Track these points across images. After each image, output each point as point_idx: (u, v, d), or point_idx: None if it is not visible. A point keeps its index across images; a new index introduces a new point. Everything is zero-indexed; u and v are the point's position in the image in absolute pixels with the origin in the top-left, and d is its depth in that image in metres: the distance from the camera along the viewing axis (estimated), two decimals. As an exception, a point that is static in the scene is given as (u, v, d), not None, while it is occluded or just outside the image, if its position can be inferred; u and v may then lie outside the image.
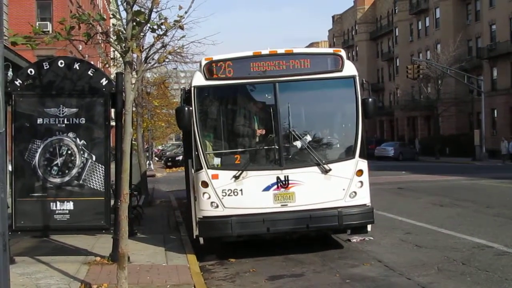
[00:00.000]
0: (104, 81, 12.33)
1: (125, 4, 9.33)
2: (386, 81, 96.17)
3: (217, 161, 12.60)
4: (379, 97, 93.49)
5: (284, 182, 12.24)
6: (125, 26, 9.36)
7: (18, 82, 12.21)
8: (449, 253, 12.28)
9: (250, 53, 12.88)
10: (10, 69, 13.93)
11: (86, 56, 43.61)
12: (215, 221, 12.23)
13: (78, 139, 12.33)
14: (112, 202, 12.26)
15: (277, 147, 12.41)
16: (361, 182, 12.53)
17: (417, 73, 59.74)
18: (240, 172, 12.21)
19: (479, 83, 61.47)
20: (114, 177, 12.13)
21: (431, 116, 71.40)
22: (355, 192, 12.44)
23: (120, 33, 9.49)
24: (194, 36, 61.38)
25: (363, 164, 12.60)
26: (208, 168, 12.30)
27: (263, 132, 12.86)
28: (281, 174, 12.26)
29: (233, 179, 12.20)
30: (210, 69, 12.65)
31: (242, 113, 13.13)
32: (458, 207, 19.69)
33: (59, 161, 12.30)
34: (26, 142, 12.30)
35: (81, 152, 12.33)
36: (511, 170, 39.75)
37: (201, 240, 12.64)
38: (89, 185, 12.35)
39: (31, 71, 12.33)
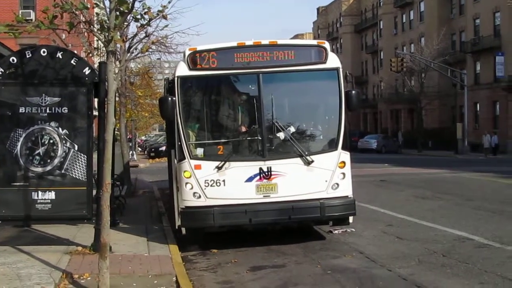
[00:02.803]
0: (87, 71, 12.28)
1: (108, -7, 9.25)
2: (370, 74, 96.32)
3: (200, 151, 12.59)
4: (363, 90, 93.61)
5: (266, 173, 12.25)
6: (108, 15, 9.31)
7: (0, 71, 12.12)
8: (430, 245, 12.38)
9: (234, 44, 12.85)
10: (-8, 58, 13.83)
11: (70, 45, 43.18)
12: (197, 211, 12.23)
13: (60, 129, 12.27)
14: (94, 192, 12.22)
15: (260, 138, 12.41)
16: (344, 174, 12.57)
17: (400, 66, 60.16)
18: (222, 162, 12.20)
19: (462, 77, 61.81)
20: (97, 167, 12.09)
21: (414, 109, 71.64)
22: (337, 184, 12.49)
23: (104, 22, 9.42)
24: (178, 26, 61.11)
25: (345, 156, 12.64)
26: (191, 159, 12.29)
27: (246, 123, 12.87)
28: (264, 165, 12.27)
29: (216, 169, 12.19)
30: (194, 59, 12.60)
31: (225, 104, 13.15)
32: (439, 200, 19.84)
33: (41, 150, 12.24)
34: (8, 131, 12.23)
35: (63, 141, 12.27)
36: (493, 164, 40.07)
37: (183, 231, 12.65)
38: (71, 175, 12.30)
39: (13, 60, 12.25)
